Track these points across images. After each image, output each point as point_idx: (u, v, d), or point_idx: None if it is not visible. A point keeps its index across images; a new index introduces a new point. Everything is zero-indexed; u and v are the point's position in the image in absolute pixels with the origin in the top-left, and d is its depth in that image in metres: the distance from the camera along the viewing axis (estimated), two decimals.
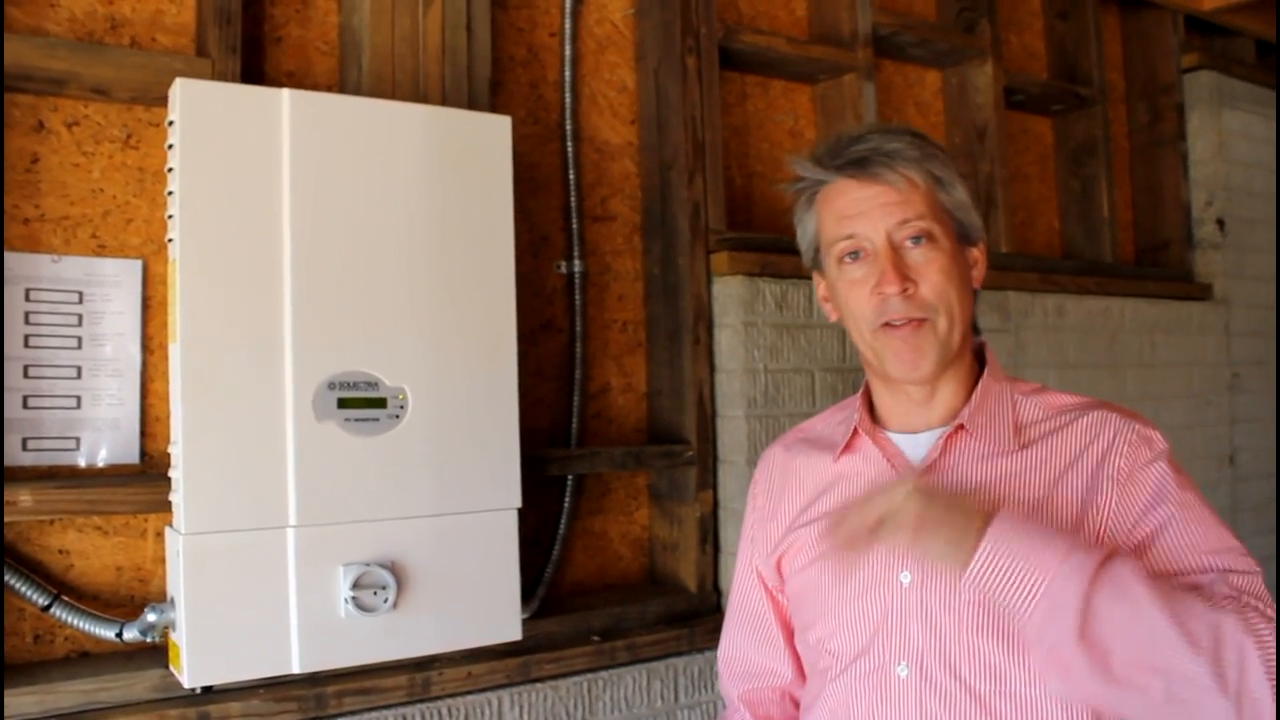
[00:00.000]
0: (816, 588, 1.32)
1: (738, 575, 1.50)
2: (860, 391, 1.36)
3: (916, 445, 1.29)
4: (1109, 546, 1.12)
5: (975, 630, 1.16)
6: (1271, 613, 1.03)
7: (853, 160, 1.24)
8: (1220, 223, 3.16)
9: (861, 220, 1.24)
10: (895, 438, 1.31)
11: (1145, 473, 1.18)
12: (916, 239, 1.23)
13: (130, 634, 1.53)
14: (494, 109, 1.89)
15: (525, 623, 1.74)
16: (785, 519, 1.40)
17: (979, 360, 1.33)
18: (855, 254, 1.25)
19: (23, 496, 1.47)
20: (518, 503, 1.67)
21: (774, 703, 1.45)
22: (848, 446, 1.33)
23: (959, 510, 1.08)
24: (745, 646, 1.47)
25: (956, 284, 1.24)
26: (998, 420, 1.25)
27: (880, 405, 1.33)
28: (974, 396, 1.26)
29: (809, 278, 2.15)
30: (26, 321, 1.58)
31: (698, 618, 2.06)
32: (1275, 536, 3.15)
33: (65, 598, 1.56)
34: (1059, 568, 1.02)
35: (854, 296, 1.26)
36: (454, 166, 1.63)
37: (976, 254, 1.31)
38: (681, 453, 2.08)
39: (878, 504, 1.09)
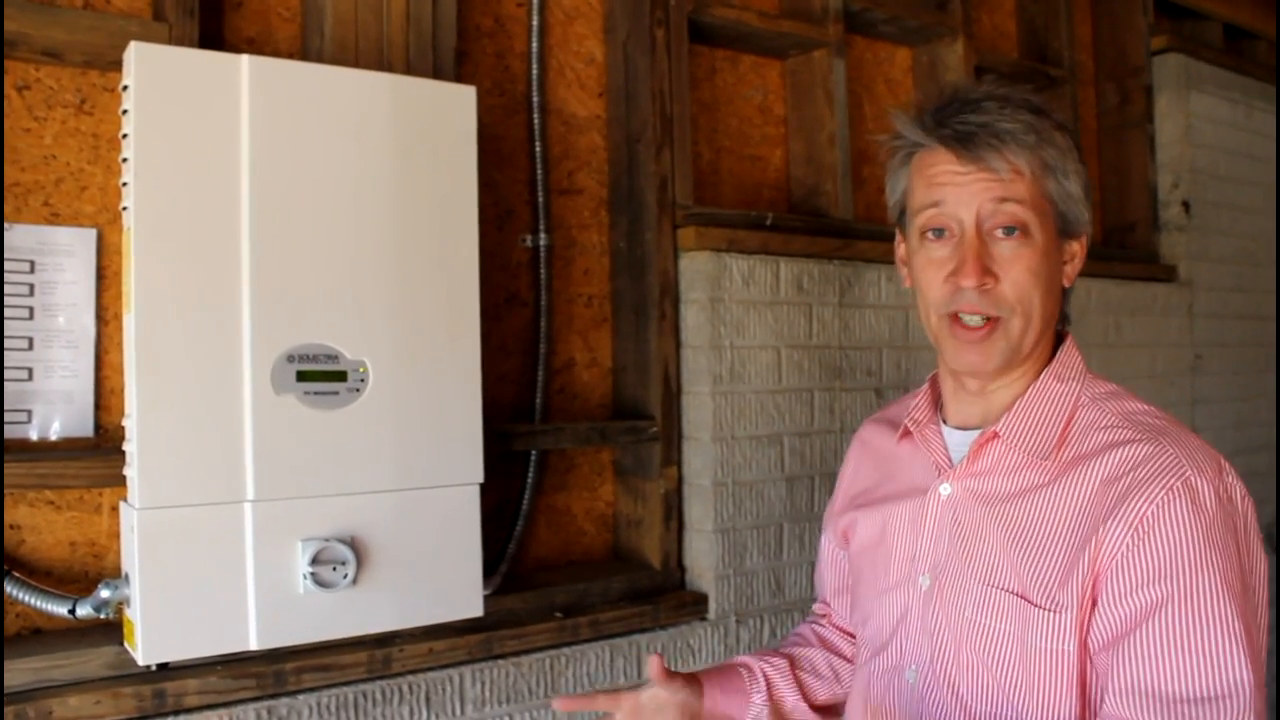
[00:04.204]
0: (861, 573, 1.34)
1: (824, 536, 1.52)
2: (932, 374, 1.31)
3: (964, 442, 1.22)
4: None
5: (972, 648, 1.13)
6: None
7: (959, 134, 1.14)
8: (1186, 205, 3.18)
9: (953, 192, 1.14)
10: (948, 432, 1.25)
11: (1167, 531, 1.03)
12: (1009, 229, 1.13)
13: (84, 610, 1.50)
14: (459, 79, 1.86)
15: (487, 599, 1.73)
16: (853, 492, 1.41)
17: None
18: (940, 231, 1.16)
19: None
20: (480, 478, 1.65)
21: (809, 630, 1.52)
22: (905, 433, 1.31)
23: None
24: (824, 592, 1.54)
25: (1043, 283, 1.14)
26: (1042, 428, 1.15)
27: (944, 391, 1.28)
28: (1020, 401, 1.17)
29: (776, 254, 2.17)
30: None
31: (661, 594, 2.06)
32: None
33: (16, 574, 1.53)
34: None
35: (927, 277, 1.18)
36: (418, 137, 1.60)
37: (1075, 248, 1.20)
38: (646, 429, 2.07)
39: None
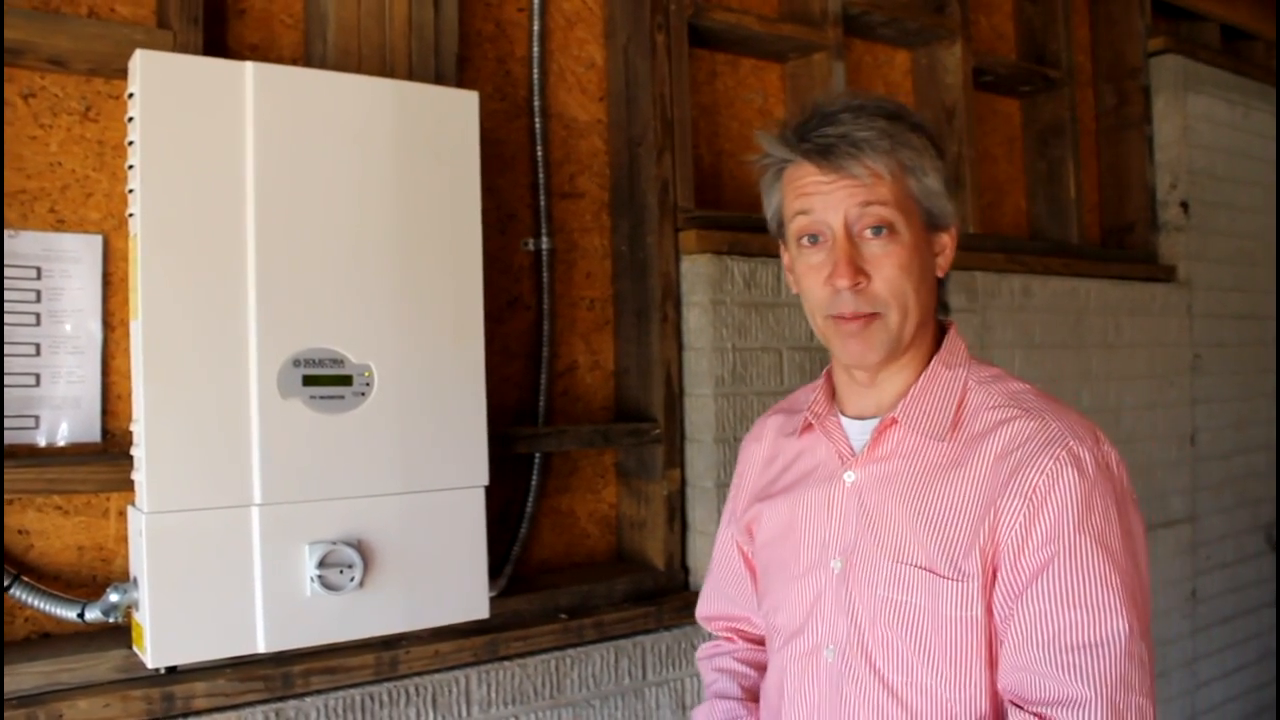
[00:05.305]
0: (769, 563, 1.36)
1: (719, 537, 1.53)
2: (826, 368, 1.37)
3: (863, 431, 1.28)
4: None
5: (887, 624, 1.18)
6: None
7: (819, 147, 1.20)
8: (1184, 205, 3.19)
9: (820, 200, 1.21)
10: (847, 422, 1.31)
11: (1056, 497, 1.12)
12: (877, 229, 1.19)
13: (92, 614, 1.51)
14: (461, 84, 1.87)
15: (493, 601, 1.74)
16: (757, 487, 1.43)
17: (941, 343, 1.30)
18: (814, 237, 1.22)
19: None
20: (485, 481, 1.66)
21: (738, 664, 1.49)
22: (807, 426, 1.36)
23: None
24: (719, 602, 1.52)
25: (915, 276, 1.21)
26: (936, 411, 1.23)
27: (838, 385, 1.34)
28: (914, 388, 1.24)
29: (777, 256, 2.16)
30: None
31: (665, 595, 2.07)
32: None
33: (25, 578, 1.54)
34: None
35: (808, 281, 1.24)
36: (420, 142, 1.61)
37: (946, 239, 1.27)
38: (649, 431, 2.08)
39: None
